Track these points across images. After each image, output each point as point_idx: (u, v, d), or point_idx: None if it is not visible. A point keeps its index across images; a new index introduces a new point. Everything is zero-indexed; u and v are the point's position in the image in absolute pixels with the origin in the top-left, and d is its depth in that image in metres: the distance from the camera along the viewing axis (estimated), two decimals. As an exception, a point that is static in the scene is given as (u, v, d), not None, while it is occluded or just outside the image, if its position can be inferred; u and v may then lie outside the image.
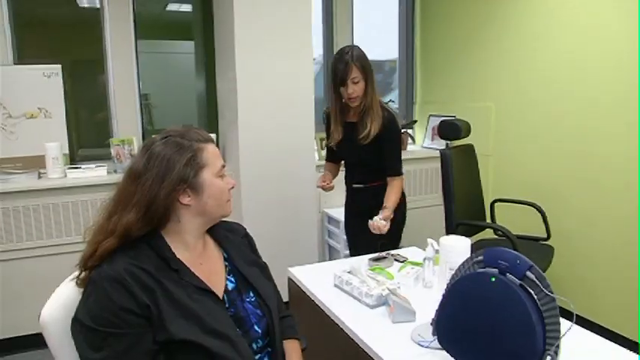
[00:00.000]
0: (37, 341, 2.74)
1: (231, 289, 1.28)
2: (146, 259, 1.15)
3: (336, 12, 3.97)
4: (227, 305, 1.25)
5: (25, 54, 3.26)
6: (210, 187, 1.24)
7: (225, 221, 1.40)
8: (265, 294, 1.32)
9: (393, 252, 2.17)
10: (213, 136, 2.22)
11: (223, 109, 3.40)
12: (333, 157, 2.60)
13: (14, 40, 3.17)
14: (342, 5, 3.97)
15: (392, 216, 2.22)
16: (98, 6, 3.47)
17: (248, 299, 1.30)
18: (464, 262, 1.32)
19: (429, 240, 1.85)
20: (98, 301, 1.08)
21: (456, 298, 1.28)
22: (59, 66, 3.12)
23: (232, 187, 1.31)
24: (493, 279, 1.18)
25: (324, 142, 3.55)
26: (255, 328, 1.27)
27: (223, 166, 1.28)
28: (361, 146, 2.34)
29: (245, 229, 1.49)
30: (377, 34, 4.47)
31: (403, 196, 2.48)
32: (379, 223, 2.13)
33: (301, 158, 3.13)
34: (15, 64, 3.13)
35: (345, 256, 3.24)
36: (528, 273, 1.15)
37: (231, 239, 1.39)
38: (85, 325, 1.07)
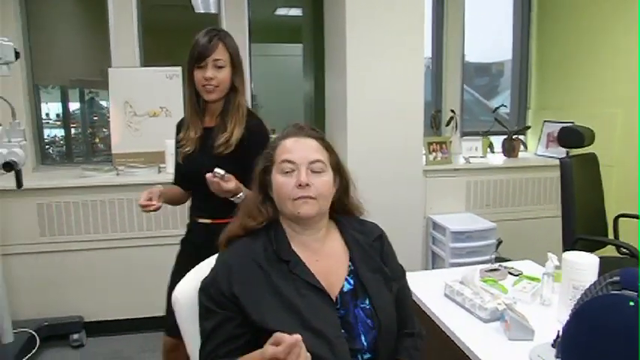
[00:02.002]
0: (151, 324, 2.99)
1: (346, 291, 1.23)
2: (260, 248, 1.21)
3: (447, 12, 3.86)
4: (338, 306, 1.21)
5: (149, 57, 3.51)
6: (274, 183, 1.24)
7: (362, 220, 1.37)
8: (379, 305, 1.24)
9: (506, 264, 2.06)
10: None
11: (331, 111, 3.43)
12: (182, 179, 1.96)
13: (141, 45, 3.42)
14: (454, 5, 3.85)
15: (238, 194, 1.69)
16: (213, 11, 3.64)
17: (362, 305, 1.23)
18: (595, 282, 1.21)
19: (550, 254, 1.74)
20: (210, 277, 1.20)
21: (584, 321, 1.18)
22: (179, 68, 3.31)
23: (300, 185, 1.20)
24: (632, 303, 1.07)
25: (431, 147, 3.47)
26: (362, 338, 1.20)
27: (285, 161, 1.22)
28: (218, 158, 1.75)
29: (381, 231, 1.38)
30: (486, 36, 4.29)
31: None
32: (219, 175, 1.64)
33: (408, 162, 3.08)
34: (141, 66, 3.38)
35: (451, 266, 3.14)
36: (675, 299, 1.02)
37: (359, 240, 1.32)
38: (200, 294, 1.21)
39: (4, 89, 2.33)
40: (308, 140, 1.25)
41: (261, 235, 1.25)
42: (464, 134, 3.92)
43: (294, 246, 1.24)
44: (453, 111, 3.79)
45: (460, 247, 3.20)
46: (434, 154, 3.49)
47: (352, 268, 1.27)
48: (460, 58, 3.93)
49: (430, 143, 3.48)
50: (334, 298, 1.21)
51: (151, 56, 3.56)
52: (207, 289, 1.19)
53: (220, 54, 1.75)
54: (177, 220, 3.05)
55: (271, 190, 1.26)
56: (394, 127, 3.02)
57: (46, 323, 2.93)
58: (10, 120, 2.26)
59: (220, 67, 1.75)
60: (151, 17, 3.64)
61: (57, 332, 2.97)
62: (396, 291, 1.31)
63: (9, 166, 2.12)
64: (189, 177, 1.86)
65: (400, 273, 1.37)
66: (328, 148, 1.29)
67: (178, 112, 3.26)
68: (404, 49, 2.99)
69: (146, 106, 3.25)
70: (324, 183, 1.24)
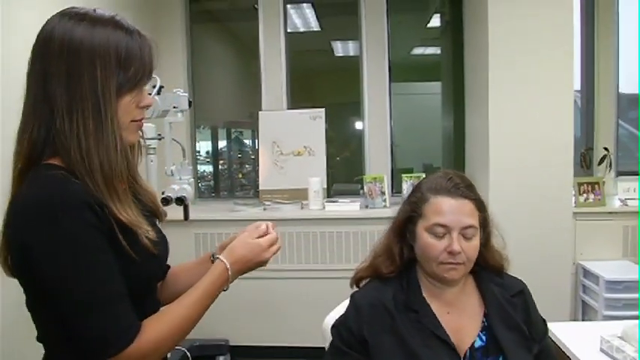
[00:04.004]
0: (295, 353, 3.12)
1: (477, 347, 1.19)
2: (390, 294, 1.22)
3: (598, 40, 3.61)
4: None
5: (295, 99, 3.78)
6: (419, 239, 1.22)
7: (502, 273, 1.31)
8: None
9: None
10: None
11: (472, 149, 3.39)
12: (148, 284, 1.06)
13: (288, 89, 3.70)
14: (605, 32, 3.60)
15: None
16: (352, 54, 3.81)
17: None
18: None
19: None
20: (342, 316, 1.26)
21: None
22: (323, 109, 3.51)
23: (451, 253, 1.16)
24: None
25: (582, 187, 3.25)
26: None
27: (438, 225, 1.18)
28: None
29: (523, 286, 1.31)
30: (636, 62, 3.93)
31: None
32: None
33: (556, 203, 2.92)
34: (288, 109, 3.65)
35: (604, 318, 2.87)
36: None
37: (496, 295, 1.25)
38: (331, 332, 1.26)
39: (173, 132, 2.65)
40: (464, 202, 1.19)
41: (392, 280, 1.26)
42: (619, 174, 3.61)
43: (426, 295, 1.23)
44: (606, 149, 3.52)
45: (616, 299, 2.90)
46: (585, 195, 3.26)
47: (486, 324, 1.22)
48: (614, 90, 3.64)
49: (581, 184, 3.26)
50: (462, 353, 1.17)
51: (295, 98, 3.81)
52: (338, 327, 1.24)
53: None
54: (310, 257, 3.19)
55: (412, 239, 1.26)
56: (540, 166, 2.90)
57: (197, 343, 3.19)
58: (180, 160, 2.56)
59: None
60: (295, 62, 3.92)
61: (205, 353, 3.22)
62: (538, 353, 1.23)
63: (180, 201, 2.41)
64: (158, 275, 1.13)
65: (542, 333, 1.28)
66: (480, 207, 1.23)
67: (320, 151, 3.45)
68: (551, 82, 2.89)
69: (291, 145, 3.48)
70: (474, 247, 1.20)
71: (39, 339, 0.98)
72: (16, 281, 0.96)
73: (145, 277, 1.01)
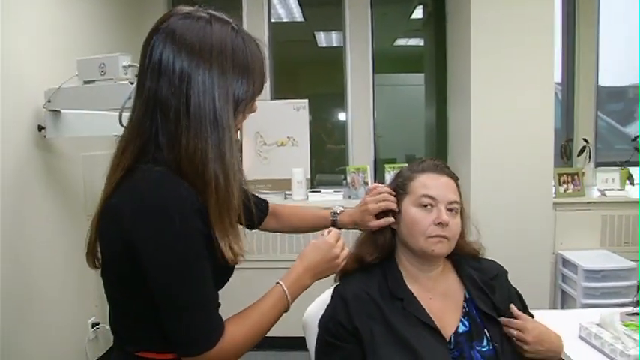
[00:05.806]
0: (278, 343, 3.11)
1: (461, 332, 1.21)
2: (375, 284, 1.23)
3: (578, 33, 3.65)
4: (452, 347, 1.18)
5: (278, 90, 3.76)
6: (405, 214, 1.23)
7: (479, 258, 1.35)
8: (501, 347, 1.19)
9: (650, 308, 1.88)
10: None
11: (454, 140, 3.41)
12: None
13: (272, 79, 3.67)
14: (586, 25, 3.65)
15: None
16: (335, 45, 3.79)
17: (479, 347, 1.19)
18: None
19: None
20: (329, 310, 1.24)
21: None
22: (306, 100, 3.49)
23: (440, 224, 1.18)
24: None
25: (562, 178, 3.30)
26: None
27: (426, 197, 1.21)
28: None
29: (500, 268, 1.35)
30: (620, 56, 4.00)
31: None
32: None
33: (536, 194, 2.96)
34: (271, 99, 3.62)
35: (583, 306, 2.93)
36: None
37: (475, 279, 1.28)
38: (319, 329, 1.25)
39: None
40: (447, 179, 1.25)
41: (375, 269, 1.26)
42: (598, 165, 3.67)
43: (408, 283, 1.24)
44: (585, 140, 3.57)
45: (594, 287, 2.97)
46: (564, 186, 3.31)
47: (467, 308, 1.24)
48: (593, 82, 3.70)
49: (560, 174, 3.31)
50: (447, 338, 1.18)
51: (278, 89, 3.79)
52: (326, 322, 1.23)
53: None
54: (293, 247, 3.17)
55: (396, 222, 1.27)
56: (521, 157, 2.93)
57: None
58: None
59: None
60: (279, 52, 3.90)
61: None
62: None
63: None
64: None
65: (521, 307, 1.32)
66: (459, 192, 1.28)
67: (304, 142, 3.44)
68: (532, 74, 2.92)
69: (275, 136, 3.47)
70: (458, 224, 1.24)
71: (112, 326, 1.02)
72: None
73: (222, 281, 1.04)
